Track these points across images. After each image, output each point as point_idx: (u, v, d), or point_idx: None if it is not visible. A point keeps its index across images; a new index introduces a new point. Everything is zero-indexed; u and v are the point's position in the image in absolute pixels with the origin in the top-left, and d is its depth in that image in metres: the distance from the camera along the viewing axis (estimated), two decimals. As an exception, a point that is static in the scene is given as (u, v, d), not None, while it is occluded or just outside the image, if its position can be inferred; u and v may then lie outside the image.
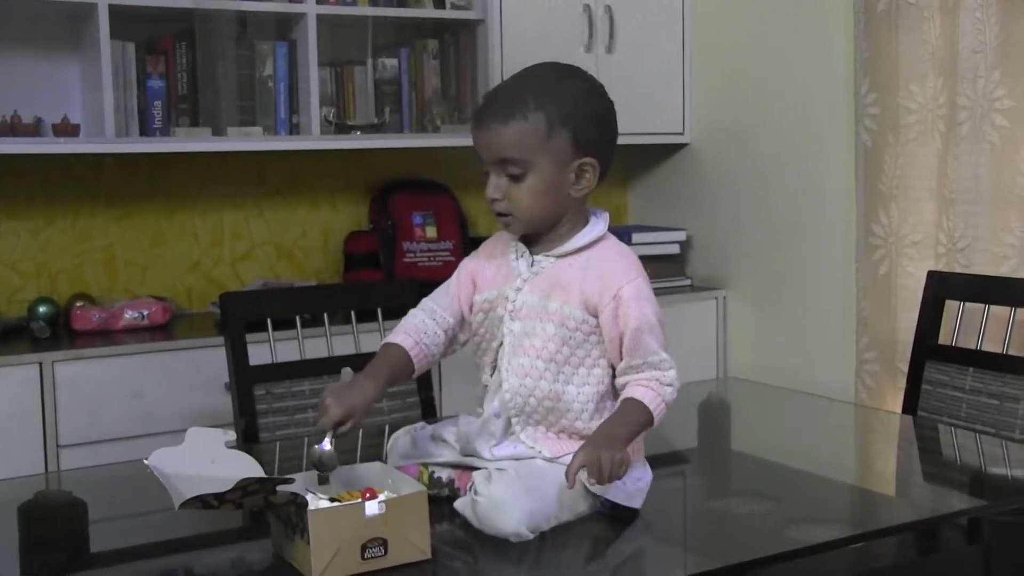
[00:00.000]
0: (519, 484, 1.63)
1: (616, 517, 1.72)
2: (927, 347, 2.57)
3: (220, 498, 1.50)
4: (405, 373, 1.84)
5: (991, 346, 2.49)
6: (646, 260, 1.82)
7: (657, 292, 1.79)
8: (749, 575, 1.59)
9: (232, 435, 1.68)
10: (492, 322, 1.80)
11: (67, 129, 3.05)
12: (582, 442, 1.70)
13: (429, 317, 1.86)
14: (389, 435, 1.91)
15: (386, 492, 1.57)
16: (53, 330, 3.03)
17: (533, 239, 1.79)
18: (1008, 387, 2.40)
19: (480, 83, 3.47)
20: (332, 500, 1.55)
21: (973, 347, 2.51)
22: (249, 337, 2.47)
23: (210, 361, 2.89)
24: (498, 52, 3.44)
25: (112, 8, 2.95)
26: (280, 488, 1.50)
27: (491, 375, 1.80)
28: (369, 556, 1.51)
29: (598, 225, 1.79)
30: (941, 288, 2.61)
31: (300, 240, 3.62)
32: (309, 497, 1.53)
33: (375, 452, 2.04)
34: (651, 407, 1.70)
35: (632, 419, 1.70)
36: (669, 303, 3.32)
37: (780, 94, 3.49)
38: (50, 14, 3.14)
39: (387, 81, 3.50)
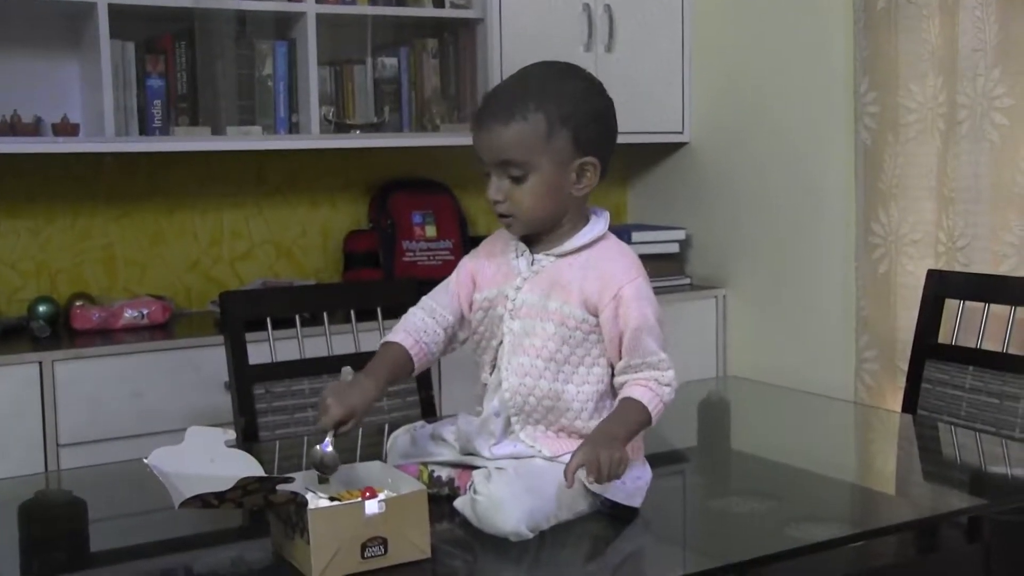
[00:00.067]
0: (518, 483, 1.63)
1: (616, 516, 1.72)
2: (927, 346, 2.57)
3: (220, 497, 1.50)
4: (405, 372, 1.84)
5: (991, 345, 2.49)
6: (645, 259, 1.82)
7: (657, 291, 1.79)
8: (749, 574, 1.59)
9: (232, 434, 1.68)
10: (492, 320, 1.80)
11: (67, 128, 3.05)
12: (581, 441, 1.70)
13: (429, 316, 1.86)
14: (389, 434, 1.90)
15: (386, 491, 1.57)
16: (53, 329, 3.03)
17: (533, 238, 1.79)
18: (1008, 386, 2.40)
19: (479, 82, 3.47)
20: (332, 499, 1.55)
21: (973, 346, 2.51)
22: (249, 336, 2.47)
23: (210, 360, 2.89)
24: (497, 51, 3.44)
25: (112, 7, 2.95)
26: (280, 487, 1.50)
27: (491, 374, 1.80)
28: (369, 555, 1.51)
29: (599, 224, 1.79)
30: (941, 287, 2.61)
31: (300, 239, 3.62)
32: (309, 496, 1.53)
33: (375, 451, 2.04)
34: (649, 407, 1.71)
35: (631, 418, 1.70)
36: (669, 302, 3.32)
37: (780, 93, 3.49)
38: (50, 14, 3.14)
39: (386, 80, 3.50)
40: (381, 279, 3.48)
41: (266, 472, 1.59)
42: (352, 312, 2.63)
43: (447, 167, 3.74)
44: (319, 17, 3.24)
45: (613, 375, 1.76)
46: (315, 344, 2.56)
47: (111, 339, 2.97)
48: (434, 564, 1.55)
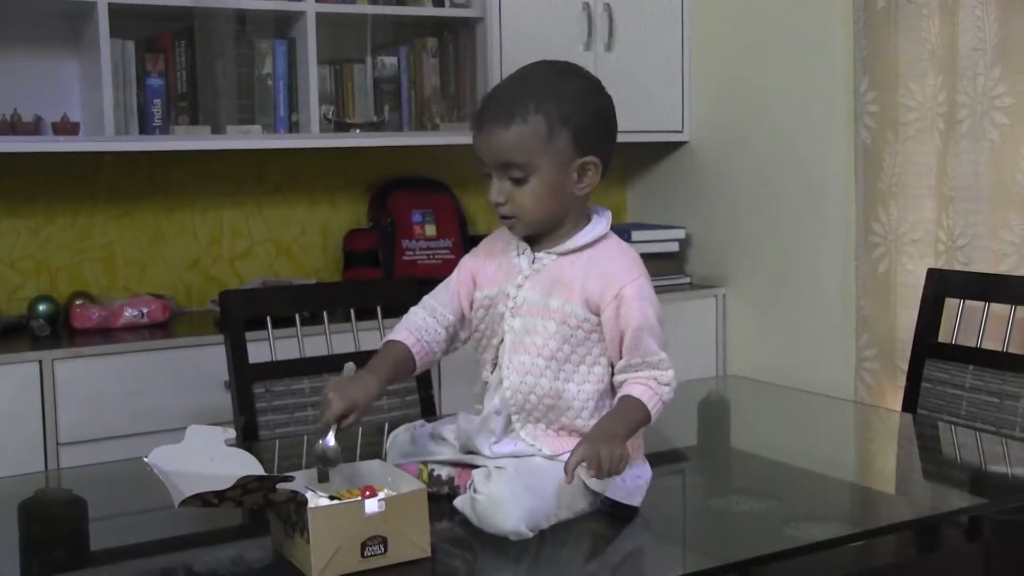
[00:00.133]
0: (519, 482, 1.63)
1: (616, 515, 1.72)
2: (927, 345, 2.57)
3: (220, 496, 1.50)
4: (407, 370, 1.84)
5: (991, 344, 2.49)
6: (645, 258, 1.82)
7: (656, 290, 1.79)
8: (749, 573, 1.59)
9: (232, 433, 1.69)
10: (492, 319, 1.80)
11: (67, 127, 3.05)
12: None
13: (430, 315, 1.86)
14: (388, 433, 1.90)
15: (386, 490, 1.57)
16: (53, 328, 3.03)
17: (535, 236, 1.79)
18: (1008, 385, 2.40)
19: (479, 81, 3.47)
20: (332, 498, 1.55)
21: (973, 345, 2.51)
22: (248, 335, 2.47)
23: (210, 359, 2.89)
24: (497, 50, 3.44)
25: (112, 6, 2.95)
26: (280, 486, 1.50)
27: (492, 372, 1.80)
28: (369, 554, 1.51)
29: (600, 223, 1.79)
30: (941, 286, 2.61)
31: (299, 238, 3.62)
32: (309, 495, 1.53)
33: (375, 450, 2.04)
34: (648, 405, 1.71)
35: (630, 416, 1.70)
36: (668, 301, 3.32)
37: (779, 92, 3.49)
38: (50, 13, 3.14)
39: (386, 79, 3.50)
40: (381, 278, 3.48)
41: (266, 471, 1.59)
42: (352, 311, 2.63)
43: (447, 166, 3.74)
44: (319, 16, 3.24)
45: (613, 374, 1.76)
46: (315, 343, 2.56)
47: (111, 338, 2.97)
48: (434, 563, 1.55)
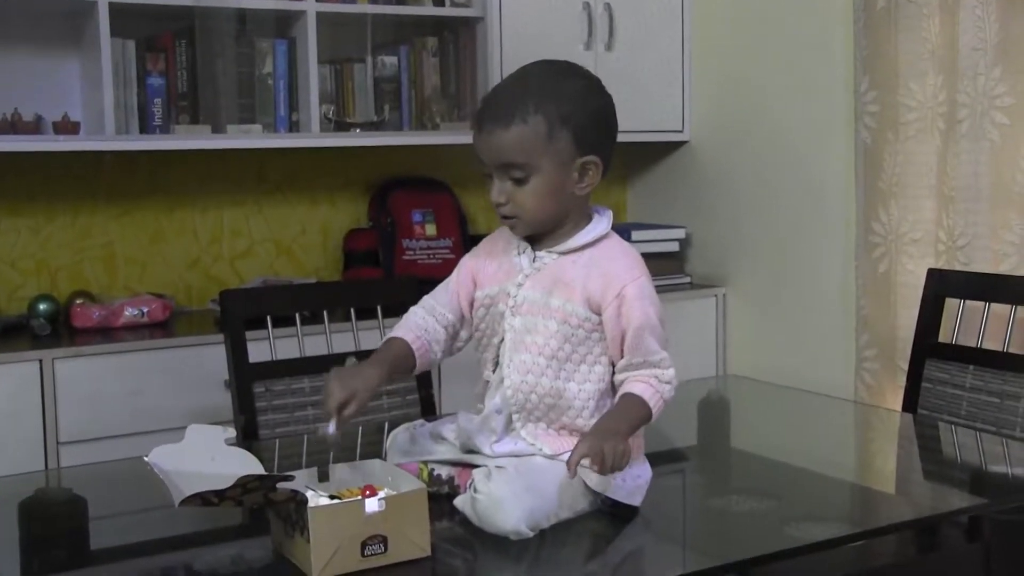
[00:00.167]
0: (519, 482, 1.64)
1: (616, 515, 1.72)
2: (927, 345, 2.57)
3: (220, 495, 1.50)
4: (407, 366, 1.84)
5: (991, 344, 2.49)
6: (645, 258, 1.82)
7: (657, 290, 1.79)
8: (749, 573, 1.59)
9: (232, 432, 1.69)
10: (493, 318, 1.80)
11: (67, 127, 3.05)
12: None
13: (429, 314, 1.86)
14: (389, 432, 1.90)
15: (386, 489, 1.57)
16: (53, 327, 3.03)
17: (536, 236, 1.80)
18: (1008, 385, 2.40)
19: (480, 81, 3.47)
20: (332, 497, 1.55)
21: (973, 345, 2.51)
22: (249, 334, 2.47)
23: (210, 358, 2.89)
24: (497, 50, 3.44)
25: (112, 6, 2.95)
26: (280, 485, 1.50)
27: (493, 371, 1.80)
28: (369, 553, 1.51)
29: (601, 223, 1.79)
30: (941, 286, 2.61)
31: (299, 237, 3.62)
32: (309, 494, 1.53)
33: (375, 449, 2.04)
34: (650, 403, 1.71)
35: (631, 413, 1.70)
36: (669, 301, 3.32)
37: (780, 92, 3.49)
38: (50, 12, 3.14)
39: (387, 79, 3.50)
40: (381, 277, 3.48)
41: (266, 470, 1.59)
42: (352, 310, 2.63)
43: (447, 166, 3.74)
44: (319, 15, 3.24)
45: (614, 373, 1.76)
46: (315, 342, 2.56)
47: (111, 337, 2.98)
48: (434, 562, 1.55)
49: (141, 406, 2.89)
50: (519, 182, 1.73)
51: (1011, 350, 2.45)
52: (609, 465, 1.61)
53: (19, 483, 2.12)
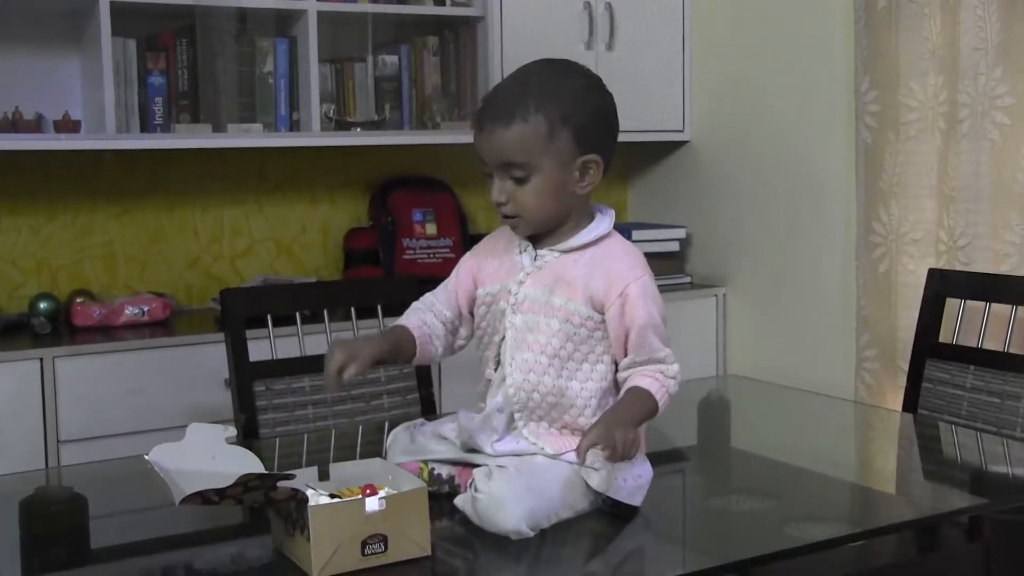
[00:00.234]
0: (519, 481, 1.63)
1: (616, 514, 1.72)
2: (927, 345, 2.57)
3: (221, 494, 1.50)
4: (408, 350, 1.84)
5: (992, 344, 2.49)
6: (646, 257, 1.82)
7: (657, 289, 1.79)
8: (749, 573, 1.59)
9: (233, 431, 1.68)
10: (494, 315, 1.80)
11: (68, 125, 3.05)
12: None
13: (428, 310, 1.88)
14: (389, 432, 1.90)
15: (386, 488, 1.57)
16: (54, 326, 3.03)
17: (537, 235, 1.80)
18: (1009, 385, 2.40)
19: (480, 80, 3.47)
20: (332, 496, 1.55)
21: (974, 345, 2.51)
22: (249, 333, 2.47)
23: (210, 357, 2.89)
24: (498, 49, 3.44)
25: (113, 5, 2.95)
26: (280, 484, 1.51)
27: (494, 369, 1.80)
28: (369, 552, 1.51)
29: (603, 222, 1.79)
30: (942, 286, 2.61)
31: (300, 236, 3.62)
32: (309, 493, 1.53)
33: (375, 448, 2.04)
34: (656, 396, 1.71)
35: (639, 405, 1.70)
36: (669, 300, 3.30)
37: (780, 92, 3.49)
38: (51, 11, 3.14)
39: (387, 78, 3.50)
40: (381, 277, 3.48)
41: (267, 469, 1.59)
42: (352, 309, 2.63)
43: (447, 165, 3.74)
44: (320, 15, 3.24)
45: (617, 372, 1.76)
46: (315, 341, 2.56)
47: (112, 336, 2.98)
48: (434, 562, 1.55)
49: (141, 405, 2.89)
50: (520, 181, 1.73)
51: (1012, 350, 2.45)
52: (620, 452, 1.61)
53: (19, 481, 2.12)
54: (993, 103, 2.79)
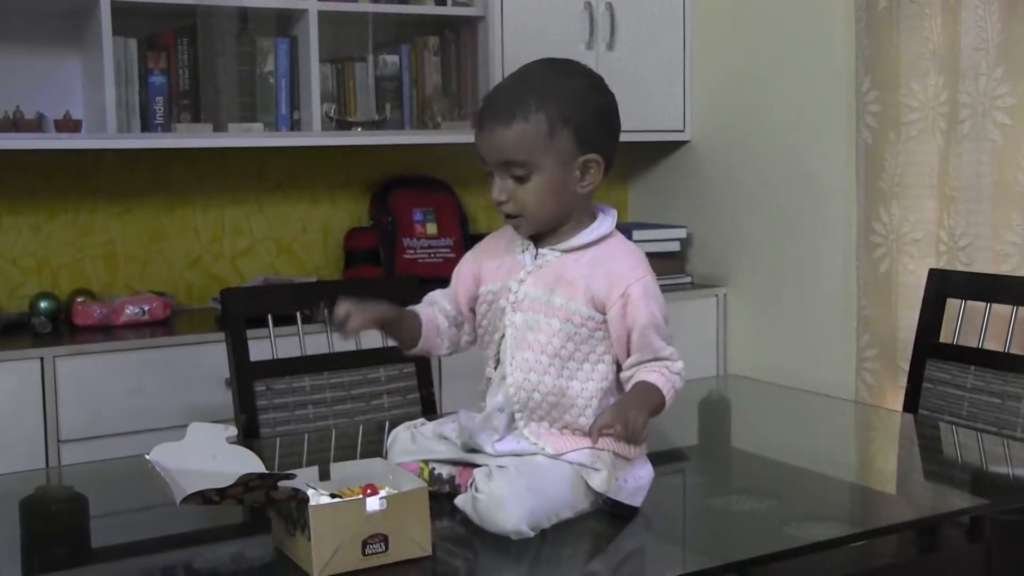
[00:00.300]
0: (520, 481, 1.63)
1: (616, 514, 1.72)
2: (928, 345, 2.57)
3: (221, 493, 1.50)
4: (414, 330, 1.86)
5: (992, 344, 2.49)
6: (647, 257, 1.82)
7: (658, 289, 1.79)
8: (749, 573, 1.59)
9: (233, 430, 1.68)
10: (495, 313, 1.80)
11: (69, 125, 3.05)
12: (586, 439, 1.71)
13: (428, 305, 1.90)
14: (389, 431, 1.90)
15: (387, 488, 1.57)
16: (54, 325, 3.03)
17: (539, 234, 1.80)
18: (1009, 385, 2.40)
19: (481, 80, 3.47)
20: (333, 496, 1.55)
21: (974, 345, 2.51)
22: (249, 333, 2.47)
23: (210, 357, 2.89)
24: (499, 49, 3.44)
25: (114, 4, 2.95)
26: (281, 484, 1.51)
27: (494, 368, 1.80)
28: (370, 552, 1.51)
29: (605, 222, 1.79)
30: (942, 286, 2.61)
31: (300, 236, 3.62)
32: (310, 493, 1.53)
33: (376, 448, 2.04)
34: (663, 390, 1.71)
35: (647, 397, 1.70)
36: (669, 300, 3.29)
37: (781, 92, 3.49)
38: (52, 11, 3.14)
39: (388, 78, 3.50)
40: (382, 276, 3.48)
41: (267, 469, 1.59)
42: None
43: (448, 165, 3.74)
44: (321, 14, 3.24)
45: (619, 372, 1.76)
46: (316, 341, 2.56)
47: (112, 335, 2.98)
48: (435, 562, 1.55)
49: (142, 404, 2.89)
50: (520, 180, 1.73)
51: (1012, 351, 2.45)
52: (630, 433, 1.61)
53: (20, 481, 2.12)
54: (994, 103, 2.79)
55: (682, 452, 2.28)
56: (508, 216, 1.76)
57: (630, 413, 1.63)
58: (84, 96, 3.18)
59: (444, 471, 1.79)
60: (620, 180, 4.10)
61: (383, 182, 3.66)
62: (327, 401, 2.52)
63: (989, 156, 2.81)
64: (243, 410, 2.41)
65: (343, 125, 3.39)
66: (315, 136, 3.29)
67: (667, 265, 3.74)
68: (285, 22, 3.32)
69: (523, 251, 1.80)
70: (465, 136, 3.34)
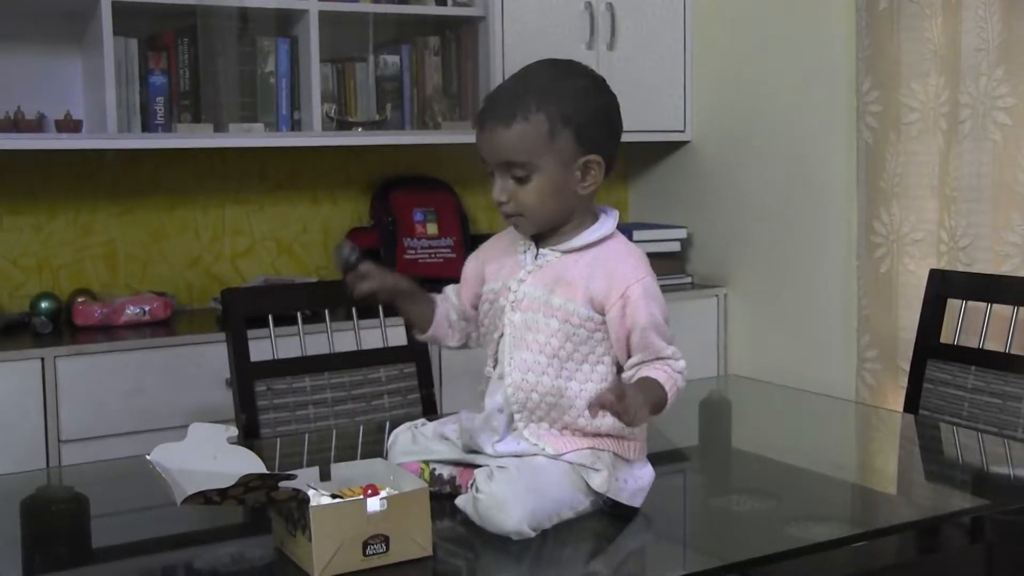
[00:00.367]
0: (521, 482, 1.63)
1: (617, 515, 1.72)
2: (928, 346, 2.57)
3: (222, 494, 1.50)
4: (428, 311, 1.88)
5: (993, 345, 2.49)
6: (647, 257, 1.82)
7: (658, 290, 1.79)
8: (750, 573, 1.59)
9: (234, 430, 1.68)
10: (495, 313, 1.80)
11: (69, 125, 3.05)
12: (586, 439, 1.71)
13: (443, 298, 1.92)
14: (390, 431, 1.90)
15: (388, 489, 1.57)
16: (55, 325, 3.03)
17: (541, 234, 1.80)
18: (1010, 386, 2.40)
19: (481, 80, 3.47)
20: (334, 497, 1.55)
21: (975, 346, 2.51)
22: (250, 333, 2.47)
23: (211, 357, 2.89)
24: (499, 49, 3.44)
25: (115, 5, 2.96)
26: (282, 484, 1.51)
27: (493, 367, 1.80)
28: (371, 553, 1.51)
29: (607, 223, 1.79)
30: (943, 286, 2.61)
31: (301, 236, 3.62)
32: (311, 493, 1.53)
33: (376, 449, 2.04)
34: (665, 386, 1.70)
35: (650, 389, 1.69)
36: (670, 301, 3.29)
37: (781, 92, 3.49)
38: (53, 11, 3.14)
39: (388, 78, 3.50)
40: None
41: (268, 469, 1.59)
42: (353, 309, 2.63)
43: (449, 165, 3.74)
44: (321, 15, 3.24)
45: (619, 373, 1.76)
46: (316, 341, 2.56)
47: (113, 335, 2.98)
48: (435, 562, 1.55)
49: (142, 404, 2.89)
50: (521, 181, 1.73)
51: (1013, 351, 2.45)
52: (628, 410, 1.59)
53: (21, 481, 2.12)
54: (994, 103, 2.79)
55: (682, 452, 2.28)
56: (508, 216, 1.76)
57: (629, 391, 1.61)
58: (85, 96, 3.18)
59: (445, 471, 1.79)
60: (620, 180, 4.10)
61: (384, 182, 3.66)
62: (328, 401, 2.52)
63: (990, 156, 2.81)
64: (244, 410, 2.41)
65: (344, 125, 3.39)
66: (316, 136, 3.29)
67: (667, 265, 3.74)
68: (286, 22, 3.32)
69: (524, 251, 1.80)
70: (465, 136, 3.34)
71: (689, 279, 3.82)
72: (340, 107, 3.41)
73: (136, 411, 2.88)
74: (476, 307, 1.87)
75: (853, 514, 1.97)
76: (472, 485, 1.67)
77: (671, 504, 1.87)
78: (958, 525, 1.90)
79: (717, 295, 3.73)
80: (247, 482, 1.49)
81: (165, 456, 1.60)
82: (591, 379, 1.75)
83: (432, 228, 3.57)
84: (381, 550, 1.51)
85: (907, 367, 2.64)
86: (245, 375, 2.44)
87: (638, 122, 3.58)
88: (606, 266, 1.75)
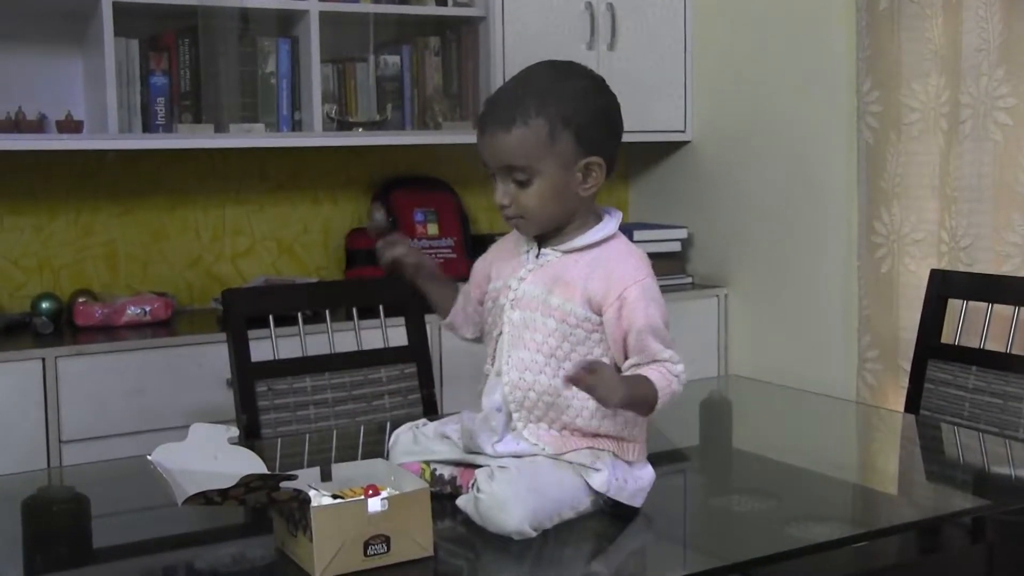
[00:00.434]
0: (522, 482, 1.63)
1: (617, 515, 1.72)
2: (929, 346, 2.57)
3: (223, 494, 1.50)
4: (450, 296, 1.92)
5: (994, 345, 2.49)
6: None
7: (659, 290, 1.79)
8: (751, 573, 1.59)
9: (235, 431, 1.69)
10: (496, 310, 1.81)
11: (70, 125, 3.06)
12: (586, 439, 1.71)
13: (463, 294, 1.94)
14: (391, 432, 1.90)
15: (388, 489, 1.57)
16: (56, 325, 3.03)
17: (544, 235, 1.80)
18: (1011, 386, 2.40)
19: (482, 80, 3.47)
20: (335, 497, 1.55)
21: (976, 346, 2.50)
22: (251, 333, 2.47)
23: (212, 357, 2.89)
24: (500, 49, 3.44)
25: (116, 5, 2.96)
26: (283, 484, 1.51)
27: (491, 365, 1.80)
28: (372, 553, 1.51)
29: (609, 224, 1.79)
30: (944, 287, 2.61)
31: (301, 236, 3.62)
32: (312, 494, 1.54)
33: (377, 449, 2.04)
34: (657, 384, 1.69)
35: (638, 381, 1.69)
36: (670, 301, 3.29)
37: (782, 92, 3.49)
38: (54, 11, 3.14)
39: (389, 78, 3.50)
40: (383, 277, 3.46)
41: (269, 469, 1.59)
42: (354, 310, 2.63)
43: (449, 165, 3.74)
44: (322, 15, 3.24)
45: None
46: (317, 341, 2.56)
47: (113, 336, 2.98)
48: (436, 562, 1.55)
49: (143, 405, 2.89)
50: (522, 184, 1.73)
51: (1014, 351, 2.45)
52: (599, 380, 1.60)
53: (22, 481, 2.12)
54: (995, 103, 2.79)
55: (683, 452, 2.28)
56: (510, 219, 1.77)
57: (604, 369, 1.63)
58: (85, 97, 3.18)
59: (446, 472, 1.79)
60: (621, 180, 4.10)
61: (384, 182, 3.66)
62: (328, 402, 2.52)
63: (990, 156, 2.81)
64: (244, 411, 2.41)
65: (344, 125, 3.39)
66: (316, 136, 3.29)
67: (668, 265, 3.74)
68: (286, 23, 3.32)
69: (527, 251, 1.81)
70: (466, 136, 3.35)
71: (689, 279, 3.82)
72: (341, 107, 3.41)
73: (137, 411, 2.88)
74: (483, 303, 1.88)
75: (854, 514, 1.97)
76: (473, 485, 1.67)
77: (672, 504, 1.87)
78: (959, 525, 1.90)
79: (717, 295, 3.73)
80: (248, 482, 1.49)
81: (166, 456, 1.60)
82: (590, 380, 1.75)
83: (433, 228, 3.57)
84: (382, 550, 1.51)
85: (908, 367, 2.64)
86: (246, 375, 2.44)
87: (638, 122, 3.58)
88: (605, 267, 1.75)
